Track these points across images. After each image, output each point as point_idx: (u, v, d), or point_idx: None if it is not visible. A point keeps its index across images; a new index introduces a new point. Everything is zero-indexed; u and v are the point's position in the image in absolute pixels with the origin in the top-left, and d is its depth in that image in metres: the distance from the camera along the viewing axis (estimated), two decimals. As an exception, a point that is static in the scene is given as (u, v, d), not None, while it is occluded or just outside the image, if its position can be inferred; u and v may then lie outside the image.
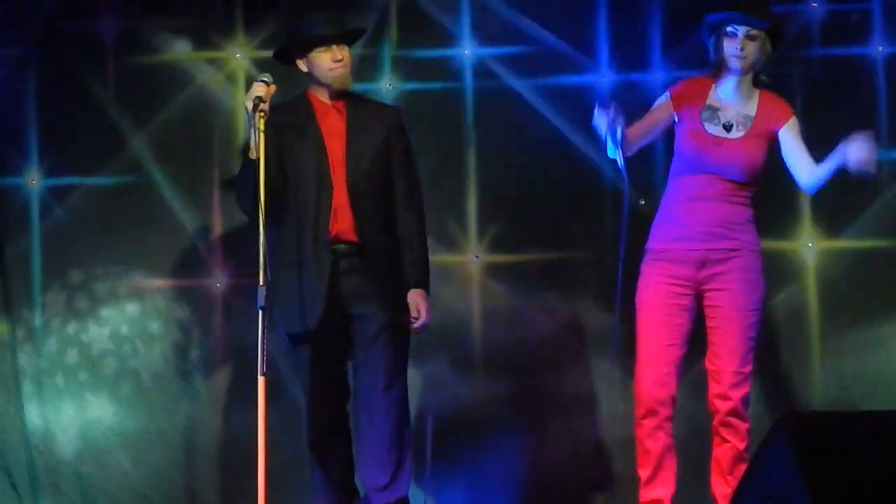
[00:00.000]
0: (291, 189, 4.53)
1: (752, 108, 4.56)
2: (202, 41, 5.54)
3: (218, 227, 5.47)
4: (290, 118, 4.57)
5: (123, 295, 5.48)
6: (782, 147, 4.55)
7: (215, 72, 5.53)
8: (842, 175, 5.14)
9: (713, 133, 4.52)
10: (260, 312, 4.16)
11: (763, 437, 3.60)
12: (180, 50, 5.53)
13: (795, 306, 5.25)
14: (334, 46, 4.54)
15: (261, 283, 4.20)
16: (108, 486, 5.37)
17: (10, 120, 5.54)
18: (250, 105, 4.32)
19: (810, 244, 5.26)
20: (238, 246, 5.45)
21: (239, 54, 5.51)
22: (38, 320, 5.48)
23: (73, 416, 5.44)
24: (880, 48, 5.29)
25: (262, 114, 4.32)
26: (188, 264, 5.46)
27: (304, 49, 4.56)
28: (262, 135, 4.31)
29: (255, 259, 5.39)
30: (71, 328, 5.47)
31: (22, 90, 5.54)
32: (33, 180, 5.53)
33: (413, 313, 4.57)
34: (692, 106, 4.58)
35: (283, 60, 4.66)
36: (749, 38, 4.48)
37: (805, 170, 4.52)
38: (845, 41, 5.31)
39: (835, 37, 5.31)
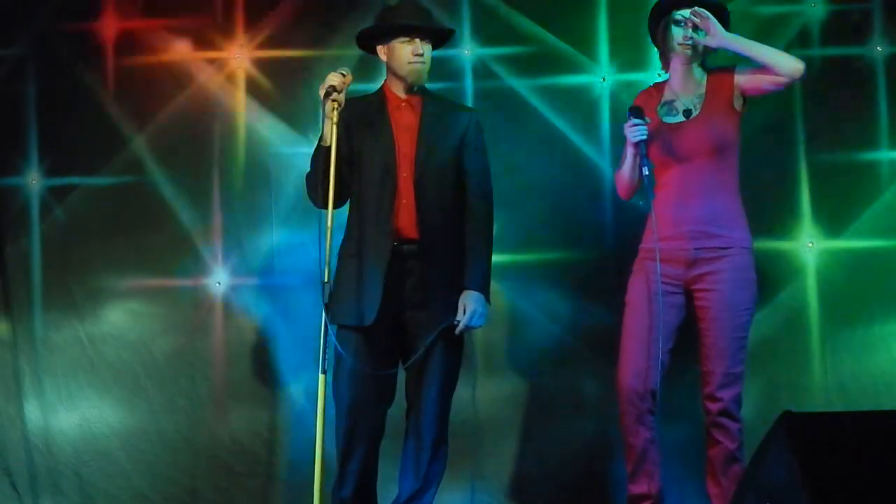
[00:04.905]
0: (358, 182, 4.45)
1: (703, 89, 4.57)
2: (202, 41, 5.54)
3: (218, 227, 5.46)
4: (364, 110, 4.50)
5: (123, 294, 5.48)
6: (750, 87, 4.51)
7: (215, 72, 5.52)
8: (843, 175, 5.20)
9: (673, 122, 4.55)
10: (323, 310, 4.08)
11: (763, 437, 3.60)
12: (180, 50, 5.54)
13: (795, 306, 5.25)
14: (417, 40, 4.48)
15: (325, 279, 4.10)
16: (108, 486, 5.36)
17: (10, 120, 5.54)
18: (322, 93, 4.27)
19: (810, 244, 5.25)
20: (238, 246, 5.45)
21: (239, 54, 5.51)
22: (38, 320, 5.47)
23: (73, 416, 5.44)
24: (880, 48, 5.29)
25: (335, 104, 4.27)
26: (188, 264, 5.46)
27: (388, 36, 4.52)
28: (334, 126, 4.25)
29: (255, 259, 5.46)
30: (71, 328, 5.47)
31: (22, 90, 5.54)
32: (33, 180, 5.53)
33: (459, 314, 4.44)
34: (650, 109, 4.59)
35: (365, 46, 4.61)
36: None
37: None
38: (845, 41, 5.31)
39: (835, 37, 5.31)
